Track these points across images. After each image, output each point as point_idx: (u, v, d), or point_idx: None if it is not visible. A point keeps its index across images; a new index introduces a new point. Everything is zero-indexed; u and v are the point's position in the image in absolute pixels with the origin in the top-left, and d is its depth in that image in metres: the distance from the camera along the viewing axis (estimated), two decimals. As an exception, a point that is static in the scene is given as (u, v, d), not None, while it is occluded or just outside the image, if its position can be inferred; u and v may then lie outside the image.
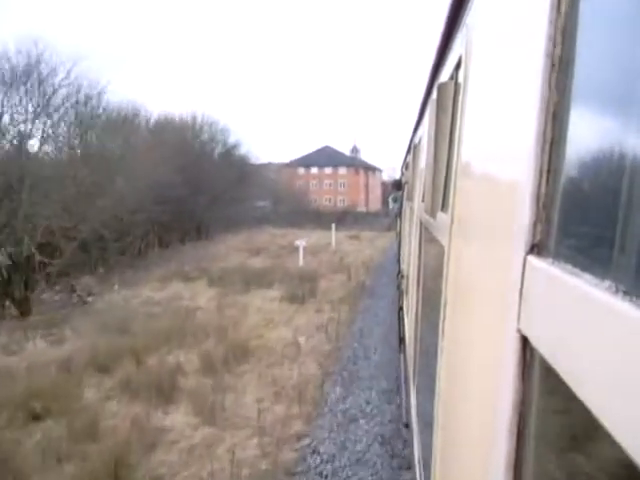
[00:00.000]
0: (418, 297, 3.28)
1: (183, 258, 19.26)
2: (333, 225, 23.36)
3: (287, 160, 66.57)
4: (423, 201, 2.49)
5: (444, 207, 1.71)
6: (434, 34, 1.88)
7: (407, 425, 4.05)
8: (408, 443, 3.83)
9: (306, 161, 67.88)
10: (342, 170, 67.56)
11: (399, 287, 8.03)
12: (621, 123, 0.49)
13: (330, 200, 64.20)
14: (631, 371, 0.36)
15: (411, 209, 5.09)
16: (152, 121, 29.89)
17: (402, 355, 5.52)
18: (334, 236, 22.72)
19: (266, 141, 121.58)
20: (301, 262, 16.79)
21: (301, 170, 66.13)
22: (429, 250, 2.61)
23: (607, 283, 0.42)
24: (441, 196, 1.80)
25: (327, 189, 66.13)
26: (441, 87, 1.73)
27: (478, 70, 1.17)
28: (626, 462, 0.35)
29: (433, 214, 1.98)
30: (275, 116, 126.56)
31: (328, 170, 67.37)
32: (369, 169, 70.71)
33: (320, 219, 37.76)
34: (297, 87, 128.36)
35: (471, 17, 1.28)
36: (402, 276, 7.13)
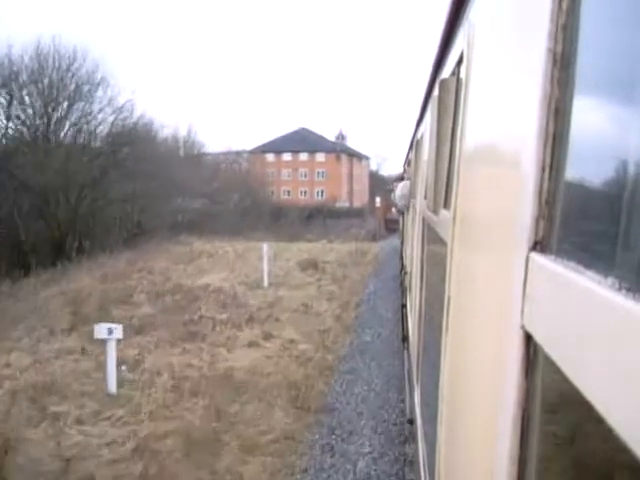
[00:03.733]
0: (421, 294, 3.28)
1: None
2: (264, 247, 13.06)
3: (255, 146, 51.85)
4: (426, 198, 2.49)
5: (447, 204, 1.71)
6: (435, 28, 1.87)
7: (411, 421, 4.06)
8: (412, 439, 3.82)
9: (276, 146, 53.82)
10: (320, 157, 53.95)
11: (402, 284, 8.04)
12: (623, 119, 0.49)
13: (305, 193, 52.08)
14: (633, 367, 0.36)
15: (413, 206, 5.09)
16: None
17: (406, 352, 5.53)
18: (267, 270, 12.57)
19: (238, 128, 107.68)
20: (113, 388, 6.42)
21: (270, 157, 53.13)
22: (432, 247, 2.61)
23: (610, 280, 0.41)
24: (443, 193, 1.80)
25: (302, 180, 53.25)
26: (443, 83, 1.73)
27: (480, 66, 1.16)
28: (629, 457, 0.35)
29: (436, 211, 1.98)
30: (252, 102, 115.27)
31: (304, 156, 54.09)
32: (354, 156, 56.88)
33: (279, 222, 28.46)
34: (279, 71, 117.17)
35: (473, 13, 1.28)
36: (405, 273, 7.15)
